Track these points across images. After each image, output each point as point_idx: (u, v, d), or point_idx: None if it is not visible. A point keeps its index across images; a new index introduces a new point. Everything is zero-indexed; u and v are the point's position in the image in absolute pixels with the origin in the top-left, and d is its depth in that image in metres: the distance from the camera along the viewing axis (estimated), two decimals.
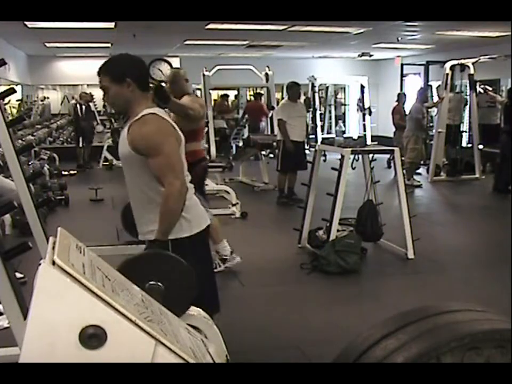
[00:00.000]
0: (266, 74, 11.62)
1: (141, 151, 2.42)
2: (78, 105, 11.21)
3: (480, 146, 9.78)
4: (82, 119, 11.13)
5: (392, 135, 11.02)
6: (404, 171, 7.52)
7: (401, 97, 10.86)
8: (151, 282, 1.89)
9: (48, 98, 15.18)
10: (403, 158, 6.80)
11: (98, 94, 15.26)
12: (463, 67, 9.73)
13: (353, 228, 5.26)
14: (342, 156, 5.06)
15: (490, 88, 10.04)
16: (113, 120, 12.05)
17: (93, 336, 1.14)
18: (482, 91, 10.08)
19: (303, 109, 7.97)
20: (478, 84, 9.87)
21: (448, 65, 9.67)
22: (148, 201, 2.50)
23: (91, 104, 11.66)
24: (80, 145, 11.16)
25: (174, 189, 2.38)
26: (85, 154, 11.28)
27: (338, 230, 5.05)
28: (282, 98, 8.29)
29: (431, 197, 8.81)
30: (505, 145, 8.61)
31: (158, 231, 2.43)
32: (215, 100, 16.98)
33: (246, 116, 12.64)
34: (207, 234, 2.66)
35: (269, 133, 10.89)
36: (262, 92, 13.87)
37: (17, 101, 12.86)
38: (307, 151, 12.77)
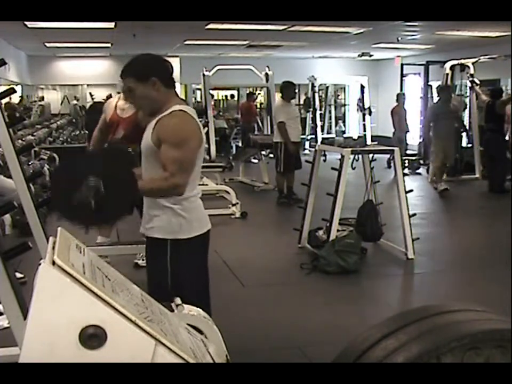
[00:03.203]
0: (266, 74, 11.63)
1: (161, 141, 2.37)
2: (78, 106, 11.24)
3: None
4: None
5: (392, 135, 11.01)
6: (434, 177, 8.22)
7: (400, 97, 10.84)
8: (90, 179, 1.96)
9: (44, 99, 15.17)
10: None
11: (98, 93, 15.34)
12: (463, 67, 9.70)
13: (353, 228, 5.26)
14: (342, 156, 5.05)
15: (478, 82, 9.86)
16: None
17: (93, 336, 1.14)
18: (470, 84, 9.93)
19: (296, 109, 8.05)
20: (468, 77, 9.74)
21: (448, 65, 9.66)
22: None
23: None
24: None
25: (172, 180, 2.33)
26: None
27: (338, 230, 5.05)
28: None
29: (431, 197, 8.80)
30: (490, 145, 8.58)
31: (142, 184, 2.31)
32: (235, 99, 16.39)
33: (239, 116, 12.69)
34: (208, 239, 2.63)
35: (269, 133, 10.90)
36: (253, 91, 13.87)
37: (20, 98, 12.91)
38: (307, 151, 12.85)
